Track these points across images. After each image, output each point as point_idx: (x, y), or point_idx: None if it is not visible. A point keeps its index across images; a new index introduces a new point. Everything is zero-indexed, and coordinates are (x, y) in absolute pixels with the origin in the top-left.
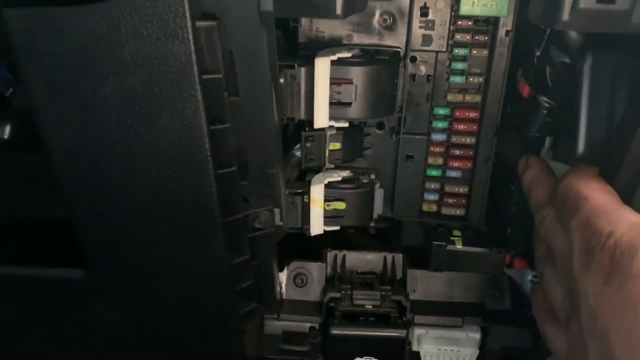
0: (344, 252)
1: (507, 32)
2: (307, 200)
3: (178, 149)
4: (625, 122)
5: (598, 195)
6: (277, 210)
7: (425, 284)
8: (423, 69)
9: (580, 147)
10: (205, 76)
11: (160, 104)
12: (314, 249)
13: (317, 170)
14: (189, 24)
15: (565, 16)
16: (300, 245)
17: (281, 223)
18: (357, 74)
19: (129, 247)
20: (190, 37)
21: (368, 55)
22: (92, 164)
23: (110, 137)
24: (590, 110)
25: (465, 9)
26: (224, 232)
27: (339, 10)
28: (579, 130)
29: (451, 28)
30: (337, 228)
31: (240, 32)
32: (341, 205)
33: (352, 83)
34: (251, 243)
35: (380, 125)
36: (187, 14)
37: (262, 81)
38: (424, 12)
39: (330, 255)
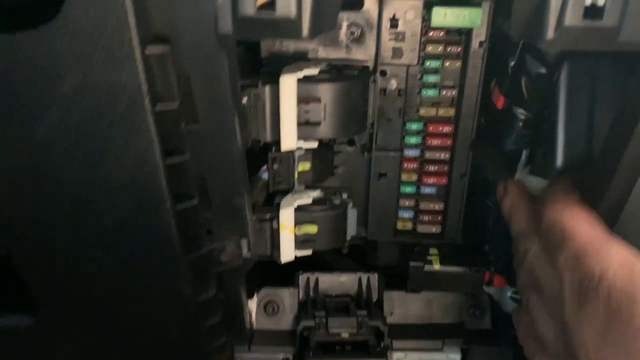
0: (317, 274)
1: (480, 43)
2: (277, 226)
3: (132, 186)
4: (609, 133)
5: (584, 230)
6: (244, 241)
7: (403, 306)
8: (394, 83)
9: (559, 161)
10: (158, 106)
11: (109, 139)
12: (284, 269)
13: (286, 191)
14: (138, 51)
15: (550, 34)
16: (269, 267)
17: (249, 255)
18: (325, 91)
19: (84, 290)
20: (140, 64)
21: (336, 71)
22: (35, 204)
23: (55, 176)
24: (568, 122)
25: (436, 20)
26: (187, 269)
27: (305, 31)
28: (556, 144)
29: (422, 39)
30: (309, 253)
31: (197, 56)
32: (313, 229)
33: (320, 101)
34: (218, 277)
35: (351, 142)
36: (135, 39)
37: (223, 106)
38: (394, 23)
39: (302, 278)
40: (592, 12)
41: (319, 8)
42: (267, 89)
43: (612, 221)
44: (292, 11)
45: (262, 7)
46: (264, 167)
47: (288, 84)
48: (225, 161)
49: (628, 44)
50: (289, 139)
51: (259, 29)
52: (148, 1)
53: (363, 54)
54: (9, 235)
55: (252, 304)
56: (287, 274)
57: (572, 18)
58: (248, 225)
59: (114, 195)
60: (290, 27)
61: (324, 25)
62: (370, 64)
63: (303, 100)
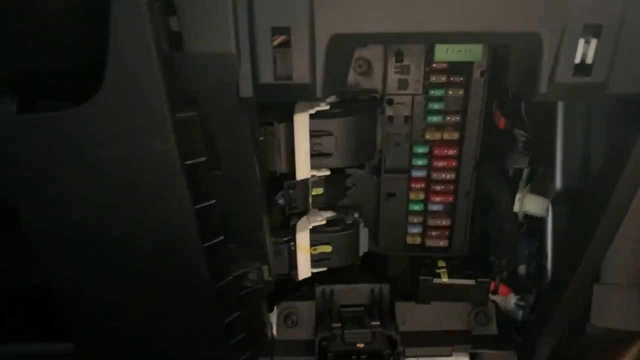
0: (332, 286)
1: (482, 73)
2: (294, 248)
3: (167, 231)
4: (601, 166)
5: None
6: (265, 267)
7: (414, 315)
8: (401, 111)
9: (558, 182)
10: (188, 162)
11: (144, 196)
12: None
13: (301, 213)
14: (169, 121)
15: (543, 89)
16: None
17: (270, 278)
18: (336, 125)
19: (121, 320)
20: (171, 132)
21: (346, 104)
22: (74, 254)
23: (93, 230)
24: (566, 145)
25: (439, 55)
26: (214, 297)
27: (319, 94)
28: (555, 166)
29: (426, 70)
30: (325, 269)
31: (221, 116)
32: (327, 249)
33: (332, 134)
34: (242, 298)
35: (361, 166)
36: (167, 111)
37: (244, 156)
38: (399, 58)
39: (318, 290)
40: (582, 69)
41: (331, 72)
42: (282, 126)
43: (608, 241)
44: (307, 79)
45: (279, 76)
46: (280, 193)
47: (301, 120)
48: (247, 201)
49: (616, 96)
50: (303, 170)
51: (277, 93)
52: (178, 71)
53: (370, 85)
54: (57, 275)
55: (273, 317)
56: (304, 284)
57: (563, 75)
58: (269, 253)
59: (151, 240)
60: (305, 92)
61: (335, 85)
62: (378, 94)
63: (315, 134)
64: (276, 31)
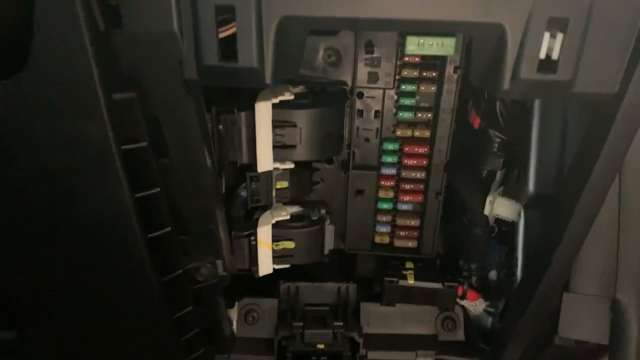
0: (297, 283)
1: (455, 69)
2: (255, 242)
3: (103, 222)
4: (570, 169)
5: None
6: (219, 262)
7: (378, 317)
8: (370, 105)
9: (531, 186)
10: (127, 146)
11: (80, 180)
12: (266, 276)
13: (265, 207)
14: (103, 101)
15: (506, 85)
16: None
17: (225, 273)
18: (301, 117)
19: (63, 311)
20: (105, 113)
21: (313, 95)
22: (15, 236)
23: (29, 216)
24: (541, 148)
25: (410, 48)
26: (162, 291)
27: (268, 79)
28: (529, 169)
29: (398, 64)
30: (287, 266)
31: (165, 99)
32: (290, 245)
33: (296, 126)
34: (196, 293)
35: (329, 161)
36: (99, 90)
37: (192, 142)
38: (369, 49)
39: (283, 287)
40: (547, 65)
41: (281, 58)
42: (243, 115)
43: (576, 247)
44: (254, 62)
45: (224, 56)
46: (243, 185)
47: (263, 109)
48: (198, 191)
49: (582, 96)
50: (265, 161)
51: (223, 77)
52: (116, 49)
53: (340, 76)
54: None
55: (233, 313)
56: (269, 282)
57: (527, 71)
58: (222, 247)
59: (87, 229)
60: (253, 76)
61: (287, 71)
62: (347, 87)
63: (279, 124)
64: (220, 10)
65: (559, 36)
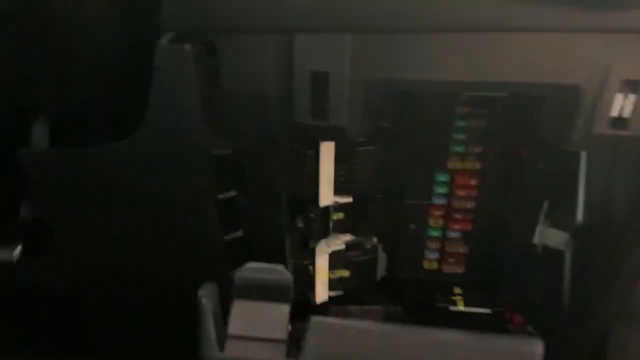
0: (346, 307)
1: (504, 107)
2: (312, 272)
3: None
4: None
5: None
6: None
7: None
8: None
9: (579, 217)
10: (220, 196)
11: (175, 229)
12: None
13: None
14: (207, 155)
15: (578, 139)
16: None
17: None
18: (360, 154)
19: None
20: (209, 168)
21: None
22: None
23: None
24: (589, 177)
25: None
26: None
27: (354, 136)
28: (577, 200)
29: None
30: (342, 293)
31: (254, 151)
32: (346, 273)
33: (356, 163)
34: None
35: (383, 191)
36: (206, 145)
37: (275, 186)
38: None
39: (332, 310)
40: (618, 123)
41: (367, 116)
42: (309, 153)
43: (631, 285)
44: (343, 121)
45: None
46: (301, 216)
47: (327, 149)
48: (270, 226)
49: None
50: (326, 197)
51: (313, 133)
52: (216, 109)
53: None
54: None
55: None
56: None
57: (600, 126)
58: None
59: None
60: (340, 134)
61: (370, 128)
62: None
63: (340, 161)
64: (315, 75)
65: (631, 97)
